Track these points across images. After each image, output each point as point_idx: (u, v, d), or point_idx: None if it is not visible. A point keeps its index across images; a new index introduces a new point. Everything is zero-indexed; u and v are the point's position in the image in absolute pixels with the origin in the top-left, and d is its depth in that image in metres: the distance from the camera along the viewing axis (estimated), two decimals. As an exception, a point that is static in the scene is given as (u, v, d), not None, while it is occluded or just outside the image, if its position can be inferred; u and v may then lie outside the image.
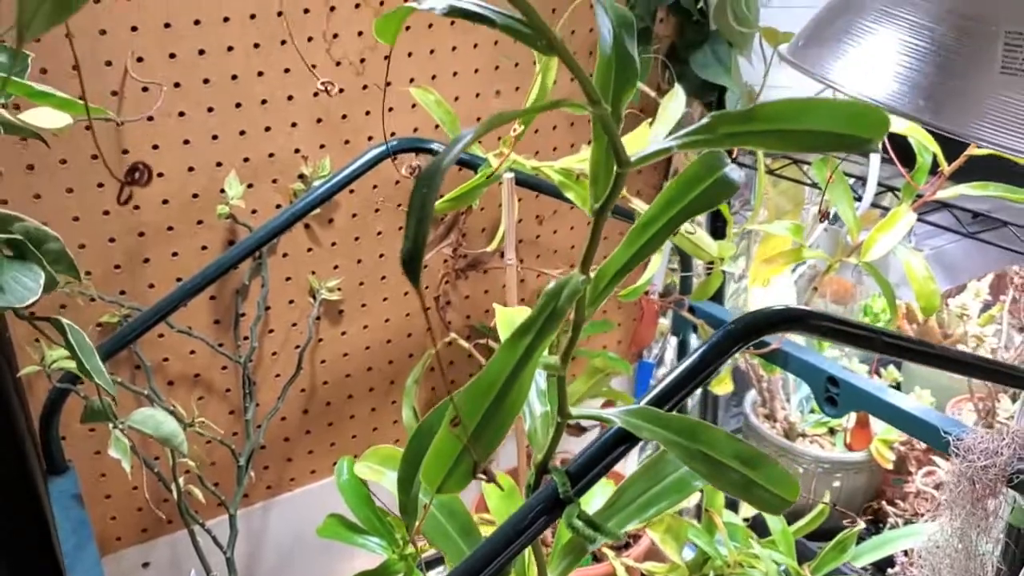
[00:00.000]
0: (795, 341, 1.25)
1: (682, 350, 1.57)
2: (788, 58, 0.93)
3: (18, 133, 0.72)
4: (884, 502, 1.57)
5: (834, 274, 1.90)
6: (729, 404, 1.83)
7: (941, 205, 1.18)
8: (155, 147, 1.09)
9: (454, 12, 0.44)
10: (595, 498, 1.20)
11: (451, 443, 0.48)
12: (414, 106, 1.23)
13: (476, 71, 1.28)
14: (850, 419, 1.54)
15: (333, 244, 1.26)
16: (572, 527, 0.56)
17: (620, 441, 0.59)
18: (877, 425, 1.55)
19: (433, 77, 1.24)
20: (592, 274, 0.51)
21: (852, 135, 0.43)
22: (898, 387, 1.72)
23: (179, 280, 1.14)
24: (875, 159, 1.19)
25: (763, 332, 0.64)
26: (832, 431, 1.62)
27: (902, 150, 1.11)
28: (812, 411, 1.63)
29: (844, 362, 1.63)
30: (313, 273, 1.26)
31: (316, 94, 1.16)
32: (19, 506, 1.07)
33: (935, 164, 1.11)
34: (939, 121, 0.82)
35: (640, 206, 1.11)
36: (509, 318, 0.73)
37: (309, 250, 1.24)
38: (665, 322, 1.61)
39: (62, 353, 0.98)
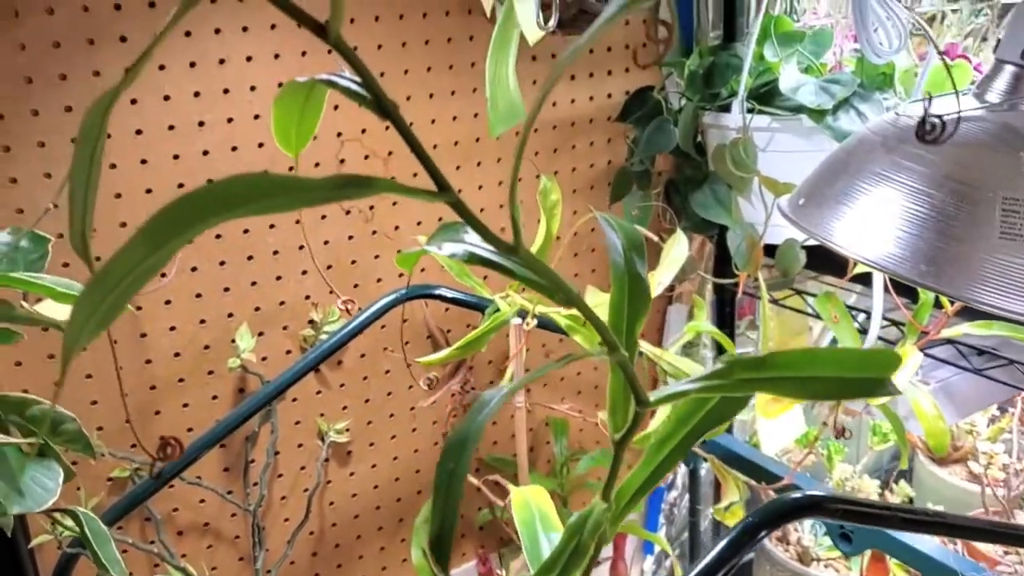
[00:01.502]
0: (807, 476, 1.24)
1: (693, 479, 1.56)
2: (789, 216, 0.95)
3: (37, 325, 0.73)
4: (902, 628, 1.54)
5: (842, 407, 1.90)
6: (740, 520, 1.81)
7: (948, 342, 1.19)
8: (168, 303, 1.11)
9: (473, 260, 0.45)
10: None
11: None
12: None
13: (481, 210, 1.30)
14: (867, 553, 1.52)
15: (342, 385, 1.27)
16: None
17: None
18: (891, 547, 1.53)
19: (439, 219, 1.26)
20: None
21: (864, 378, 0.44)
22: (911, 502, 1.70)
23: (190, 431, 1.14)
24: (878, 294, 1.21)
25: (780, 522, 0.64)
26: (847, 555, 1.60)
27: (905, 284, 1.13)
28: (826, 535, 1.61)
29: (855, 481, 1.62)
30: (322, 415, 1.26)
31: (327, 242, 1.19)
32: None
33: (938, 299, 1.12)
34: (940, 286, 0.84)
35: (649, 348, 1.12)
36: (524, 499, 0.74)
37: (318, 392, 1.25)
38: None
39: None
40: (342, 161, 1.16)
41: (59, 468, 0.69)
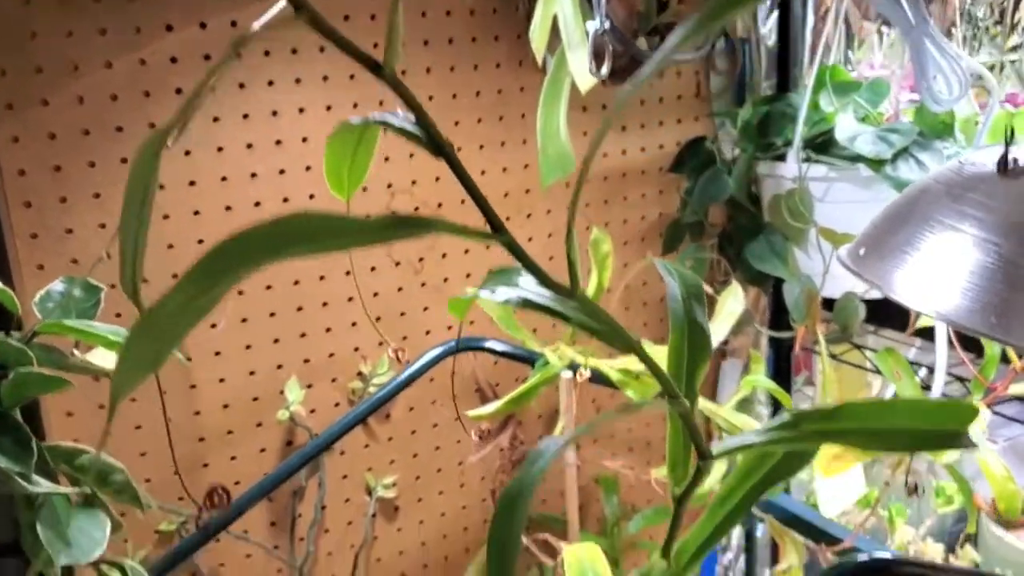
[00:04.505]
0: (867, 538, 1.19)
1: (749, 540, 1.51)
2: (850, 267, 0.93)
3: (88, 374, 0.73)
4: None
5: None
6: None
7: (1013, 397, 1.15)
8: (217, 353, 1.11)
9: (527, 305, 0.44)
10: None
11: None
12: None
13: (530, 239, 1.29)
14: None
15: (390, 439, 1.25)
16: None
17: None
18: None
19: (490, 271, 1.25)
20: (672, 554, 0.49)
21: (940, 431, 0.41)
22: (976, 567, 1.63)
23: (237, 483, 1.13)
24: (941, 349, 1.17)
25: (848, 586, 0.61)
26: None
27: (969, 337, 1.09)
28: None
29: (918, 544, 1.56)
30: (370, 470, 1.24)
31: (376, 294, 1.18)
32: None
33: (1005, 354, 1.08)
34: (1011, 339, 0.80)
35: (704, 404, 1.09)
36: (577, 559, 0.71)
37: (366, 446, 1.23)
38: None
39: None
40: (392, 213, 1.16)
41: (106, 518, 0.68)
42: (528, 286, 0.45)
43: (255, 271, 0.32)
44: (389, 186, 1.15)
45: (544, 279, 0.39)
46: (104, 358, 0.74)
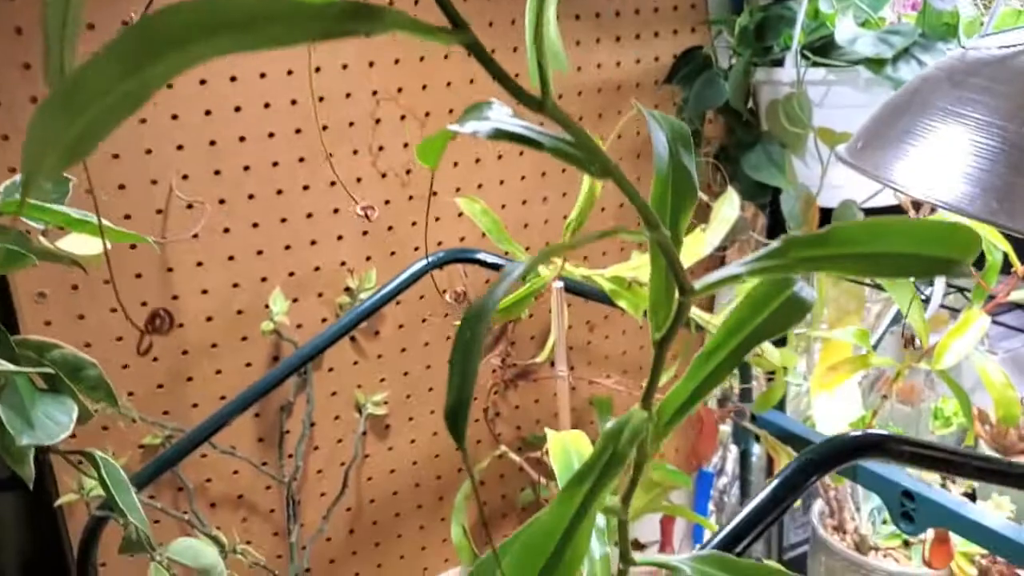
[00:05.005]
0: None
1: (744, 460, 1.50)
2: (847, 160, 0.90)
3: (55, 260, 0.70)
4: (969, 620, 1.46)
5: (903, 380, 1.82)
6: (795, 515, 1.74)
7: (1015, 305, 1.12)
8: (199, 264, 1.08)
9: (499, 136, 0.41)
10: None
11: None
12: (460, 215, 1.20)
13: (523, 178, 1.26)
14: (928, 532, 1.45)
15: (379, 356, 1.23)
16: None
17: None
18: (956, 536, 1.45)
19: (479, 186, 1.23)
20: (654, 409, 0.47)
21: (938, 257, 0.39)
22: (973, 494, 1.62)
23: (223, 398, 1.11)
24: (941, 259, 1.14)
25: (840, 462, 0.58)
26: (907, 543, 1.53)
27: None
28: (885, 522, 1.54)
29: (915, 469, 1.54)
30: (359, 387, 1.22)
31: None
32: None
33: (1006, 262, 1.05)
34: (1015, 224, 0.77)
35: (700, 314, 1.06)
36: (562, 445, 0.69)
37: (355, 363, 1.21)
38: (725, 428, 1.54)
39: (101, 479, 0.96)
40: (377, 121, 1.13)
41: (74, 404, 0.66)
42: (498, 116, 0.42)
43: (189, 62, 0.28)
44: (374, 93, 1.12)
45: (508, 83, 0.36)
46: (74, 244, 0.71)
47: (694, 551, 0.52)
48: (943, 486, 1.50)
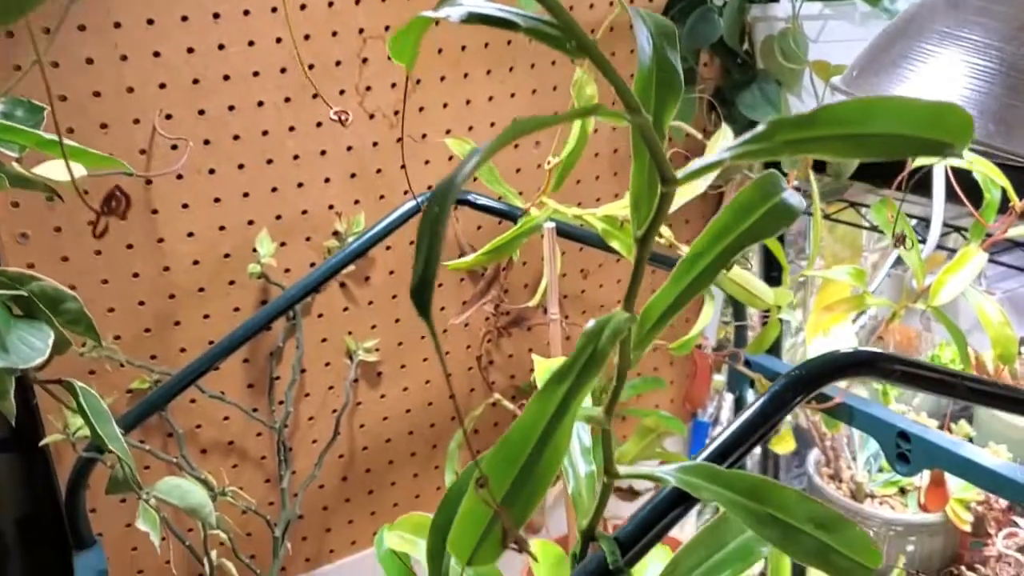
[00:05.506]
0: (860, 395, 1.17)
1: (739, 407, 1.49)
2: (842, 88, 0.88)
3: (29, 187, 0.69)
4: (963, 567, 1.46)
5: (899, 322, 1.81)
6: (791, 464, 1.74)
7: (1013, 244, 1.11)
8: (185, 206, 1.06)
9: (473, 19, 0.39)
10: (650, 567, 1.12)
11: (480, 509, 0.42)
12: (451, 158, 1.19)
13: (511, 69, 1.23)
14: (923, 477, 1.44)
15: (370, 303, 1.22)
16: (623, 601, 0.50)
17: (675, 503, 0.53)
18: (952, 483, 1.45)
19: (470, 128, 1.21)
20: (638, 314, 0.46)
21: (929, 138, 0.37)
22: (971, 442, 1.61)
23: (211, 343, 1.10)
24: (939, 197, 1.12)
25: (830, 378, 0.57)
26: (904, 491, 1.52)
27: (968, 186, 1.04)
28: (881, 470, 1.53)
29: (912, 416, 1.53)
30: (350, 334, 1.21)
31: (350, 148, 1.13)
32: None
33: (1005, 200, 1.04)
34: (1011, 145, 0.76)
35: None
36: (549, 368, 0.68)
37: (345, 309, 1.20)
38: (720, 378, 1.53)
39: (86, 420, 0.95)
40: (364, 60, 1.11)
41: (50, 330, 0.64)
42: (472, 1, 0.40)
43: None
44: (361, 31, 1.09)
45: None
46: (51, 170, 0.69)
47: (682, 464, 0.51)
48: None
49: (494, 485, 0.41)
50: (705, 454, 0.54)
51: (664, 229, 1.06)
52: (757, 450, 1.64)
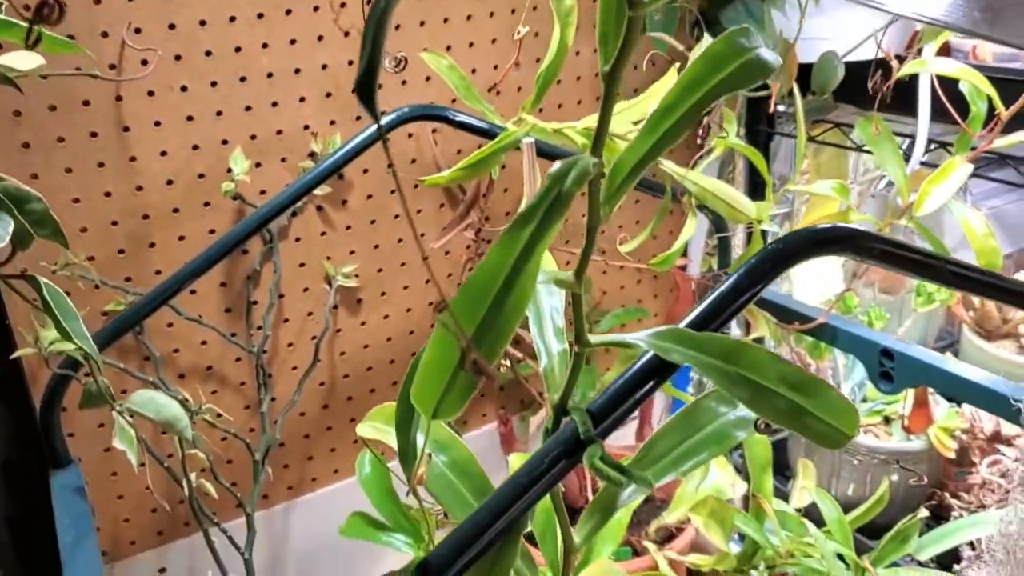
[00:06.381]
0: (842, 317, 1.16)
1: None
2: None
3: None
4: (947, 495, 1.46)
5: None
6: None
7: (999, 158, 1.09)
8: (157, 124, 1.04)
9: None
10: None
11: (445, 354, 0.41)
12: (428, 78, 1.17)
13: (493, 41, 1.22)
14: (907, 403, 1.44)
15: (348, 228, 1.20)
16: (595, 467, 0.48)
17: (650, 373, 0.52)
18: (937, 412, 1.45)
19: (448, 47, 1.18)
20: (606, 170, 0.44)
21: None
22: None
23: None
24: (924, 107, 1.11)
25: (807, 253, 0.56)
26: (887, 420, 1.52)
27: (954, 99, 1.03)
28: (865, 399, 1.53)
29: (896, 347, 1.53)
30: (328, 259, 1.20)
31: (325, 66, 1.11)
32: (15, 498, 1.01)
33: (991, 113, 1.02)
34: (996, 32, 0.74)
35: (672, 167, 1.03)
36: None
37: (323, 233, 1.18)
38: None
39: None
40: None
41: (9, 219, 0.63)
42: None
43: None
44: (335, -56, 1.07)
45: None
46: (13, 60, 0.67)
47: (655, 329, 0.50)
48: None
49: (461, 326, 0.40)
50: (680, 326, 0.53)
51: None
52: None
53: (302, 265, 1.18)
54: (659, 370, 0.52)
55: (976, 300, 1.67)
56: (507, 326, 0.40)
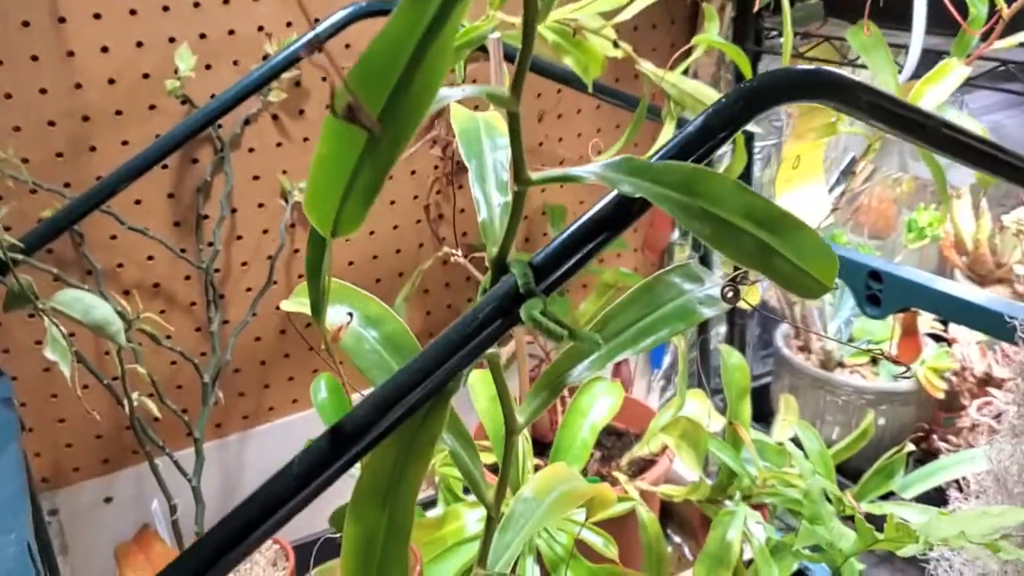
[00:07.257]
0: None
1: (704, 265, 1.42)
2: None
3: None
4: (935, 436, 1.41)
5: (874, 203, 1.74)
6: (757, 349, 1.68)
7: (1001, 65, 1.03)
8: (97, 16, 0.97)
9: None
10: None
11: (343, 149, 0.35)
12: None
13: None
14: (894, 337, 1.38)
15: (305, 139, 1.13)
16: (534, 320, 0.42)
17: (600, 224, 0.45)
18: (926, 352, 1.39)
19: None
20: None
21: None
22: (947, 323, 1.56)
23: (130, 172, 1.01)
24: (919, 18, 1.04)
25: (786, 96, 0.49)
26: (875, 360, 1.46)
27: (954, 5, 0.96)
28: (851, 339, 1.47)
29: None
30: (284, 172, 1.12)
31: (280, -39, 1.04)
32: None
33: (992, 14, 0.95)
34: None
35: (651, 68, 0.96)
36: (465, 114, 0.60)
37: (279, 144, 1.11)
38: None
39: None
40: None
41: None
42: None
43: None
44: None
45: None
46: None
47: (605, 160, 0.43)
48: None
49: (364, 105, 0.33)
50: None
51: (624, 44, 0.98)
52: (723, 328, 1.58)
53: (256, 178, 1.11)
54: (611, 220, 0.45)
55: (969, 243, 1.61)
56: (419, 104, 0.33)
